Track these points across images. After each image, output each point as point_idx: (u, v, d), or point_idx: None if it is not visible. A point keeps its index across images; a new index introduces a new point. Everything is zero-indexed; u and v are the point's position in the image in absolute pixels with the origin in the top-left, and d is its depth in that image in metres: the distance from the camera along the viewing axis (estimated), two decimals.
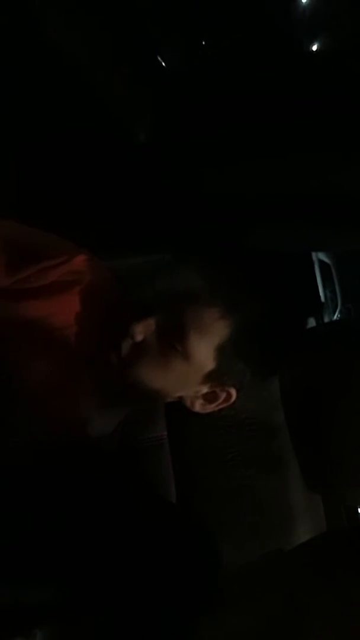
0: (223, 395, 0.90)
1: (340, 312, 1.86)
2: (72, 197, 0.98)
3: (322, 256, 1.74)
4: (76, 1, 0.83)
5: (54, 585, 0.61)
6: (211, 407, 0.91)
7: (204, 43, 1.24)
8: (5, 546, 0.61)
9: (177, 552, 0.68)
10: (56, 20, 0.81)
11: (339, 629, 0.51)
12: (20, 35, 0.81)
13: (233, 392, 0.90)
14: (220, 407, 0.91)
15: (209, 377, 0.87)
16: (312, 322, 1.44)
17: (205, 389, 0.89)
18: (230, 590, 0.60)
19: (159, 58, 1.10)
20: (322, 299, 1.65)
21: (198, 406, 0.91)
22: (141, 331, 0.84)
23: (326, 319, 1.63)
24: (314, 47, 1.31)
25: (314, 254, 1.62)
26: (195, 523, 0.80)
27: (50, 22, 0.79)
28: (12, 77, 0.88)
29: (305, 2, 1.31)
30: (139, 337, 0.84)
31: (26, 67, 0.87)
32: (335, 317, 1.84)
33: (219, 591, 0.60)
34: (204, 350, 0.85)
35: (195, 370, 0.86)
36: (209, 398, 0.90)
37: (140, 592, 0.63)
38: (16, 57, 0.86)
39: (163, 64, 1.10)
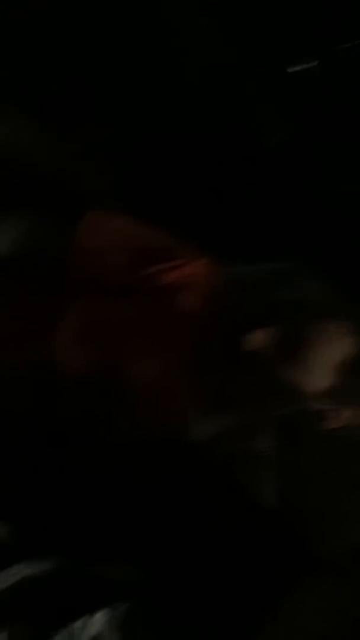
0: (338, 414, 0.86)
1: None
2: (198, 199, 0.98)
3: None
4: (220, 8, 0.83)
5: (142, 566, 0.64)
6: (325, 425, 0.87)
7: (339, 48, 1.21)
8: (103, 527, 0.65)
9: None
10: (200, 22, 0.81)
11: None
12: (160, 31, 0.82)
13: (349, 412, 0.86)
14: (334, 426, 0.87)
15: (326, 394, 0.84)
16: None
17: (320, 406, 0.86)
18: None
19: (289, 65, 1.08)
20: None
21: (310, 423, 0.88)
22: (258, 341, 0.82)
23: None
24: None
25: None
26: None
27: (194, 23, 0.80)
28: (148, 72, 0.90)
29: None
30: (255, 347, 0.82)
31: (165, 64, 0.89)
32: None
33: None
34: (322, 366, 0.83)
35: (311, 385, 0.83)
36: (323, 415, 0.87)
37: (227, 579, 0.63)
38: (156, 52, 0.87)
39: (292, 70, 1.08)
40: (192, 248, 0.91)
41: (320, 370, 0.82)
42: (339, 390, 0.84)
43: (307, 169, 0.95)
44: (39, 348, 0.80)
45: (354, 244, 0.95)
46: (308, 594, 0.57)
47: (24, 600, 0.60)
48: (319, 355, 0.82)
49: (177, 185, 0.98)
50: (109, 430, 0.78)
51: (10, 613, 0.59)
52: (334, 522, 0.87)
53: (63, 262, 0.85)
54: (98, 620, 0.59)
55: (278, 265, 0.97)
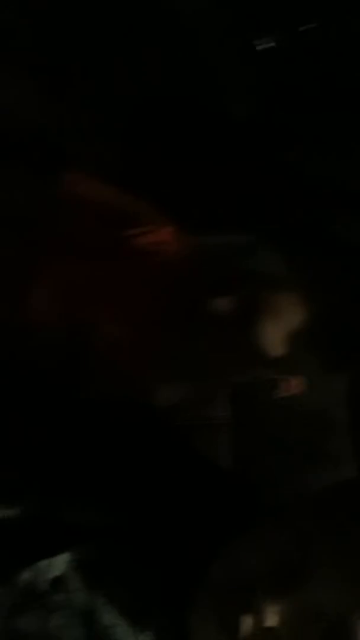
0: (289, 383, 0.90)
1: None
2: (166, 167, 0.99)
3: None
4: None
5: (103, 512, 0.67)
6: (276, 394, 0.91)
7: (307, 27, 1.21)
8: (69, 474, 0.67)
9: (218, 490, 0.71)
10: None
11: (339, 570, 0.53)
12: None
13: (300, 381, 0.89)
14: (286, 394, 0.91)
15: (278, 363, 0.87)
16: None
17: (272, 374, 0.89)
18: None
19: (257, 41, 1.09)
20: None
21: (263, 390, 0.91)
22: (217, 307, 0.84)
23: None
24: None
25: None
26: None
27: None
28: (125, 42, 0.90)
29: None
30: (214, 314, 0.84)
31: (141, 31, 0.89)
32: None
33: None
34: (276, 335, 0.85)
35: (264, 353, 0.86)
36: (275, 384, 0.90)
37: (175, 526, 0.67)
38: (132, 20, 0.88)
39: (260, 46, 1.09)
40: (160, 216, 0.92)
41: (273, 339, 0.85)
42: (289, 359, 0.86)
43: (275, 141, 0.97)
44: (15, 302, 0.81)
45: (314, 214, 0.97)
46: (247, 538, 0.61)
47: None
48: (273, 325, 0.84)
49: (148, 154, 0.99)
50: (76, 385, 0.79)
51: None
52: (280, 477, 0.92)
53: (40, 219, 0.85)
54: (61, 562, 0.62)
55: (239, 237, 0.98)
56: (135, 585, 0.62)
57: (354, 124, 1.00)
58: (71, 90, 0.90)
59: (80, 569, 0.62)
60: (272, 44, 1.06)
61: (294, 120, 1.00)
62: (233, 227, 1.03)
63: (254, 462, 0.96)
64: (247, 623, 0.51)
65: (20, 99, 0.88)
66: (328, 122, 1.01)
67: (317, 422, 0.98)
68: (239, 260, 0.90)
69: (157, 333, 0.87)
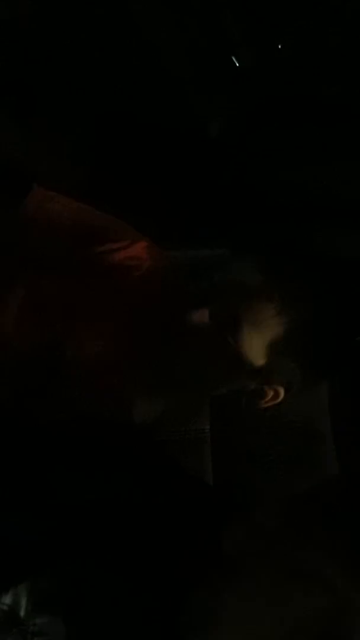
0: (271, 394, 0.89)
1: None
2: (141, 184, 0.99)
3: None
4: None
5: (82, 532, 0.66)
6: (257, 404, 0.90)
7: (280, 47, 1.23)
8: (44, 499, 0.66)
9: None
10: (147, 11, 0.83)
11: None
12: (112, 26, 0.83)
13: (281, 391, 0.89)
14: (267, 405, 0.90)
15: (258, 373, 0.86)
16: None
17: (253, 385, 0.88)
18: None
19: (234, 58, 1.10)
20: None
21: (244, 402, 0.90)
22: (195, 320, 0.84)
23: None
24: None
25: None
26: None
27: (142, 13, 0.81)
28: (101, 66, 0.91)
29: None
30: (192, 326, 0.83)
31: (113, 55, 0.90)
32: None
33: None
34: (256, 346, 0.85)
35: (244, 364, 0.85)
36: (256, 395, 0.89)
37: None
38: (106, 45, 0.88)
39: (237, 63, 1.10)
40: (134, 231, 0.93)
41: (253, 350, 0.84)
42: (270, 369, 0.86)
43: (247, 156, 0.98)
44: None
45: (288, 227, 0.98)
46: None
47: None
48: (253, 336, 0.84)
49: (122, 170, 0.99)
50: (57, 406, 0.78)
51: None
52: (262, 488, 0.91)
53: (9, 237, 0.85)
54: (42, 586, 0.60)
55: (216, 249, 0.99)
56: (117, 610, 0.60)
57: (332, 139, 1.01)
58: (38, 111, 0.90)
59: (61, 594, 0.61)
60: (250, 62, 1.08)
61: (269, 136, 1.02)
62: (209, 240, 1.03)
63: (235, 474, 0.95)
64: None
65: None
66: (306, 137, 1.02)
67: (301, 432, 0.98)
68: (216, 272, 0.90)
69: (136, 348, 0.87)
